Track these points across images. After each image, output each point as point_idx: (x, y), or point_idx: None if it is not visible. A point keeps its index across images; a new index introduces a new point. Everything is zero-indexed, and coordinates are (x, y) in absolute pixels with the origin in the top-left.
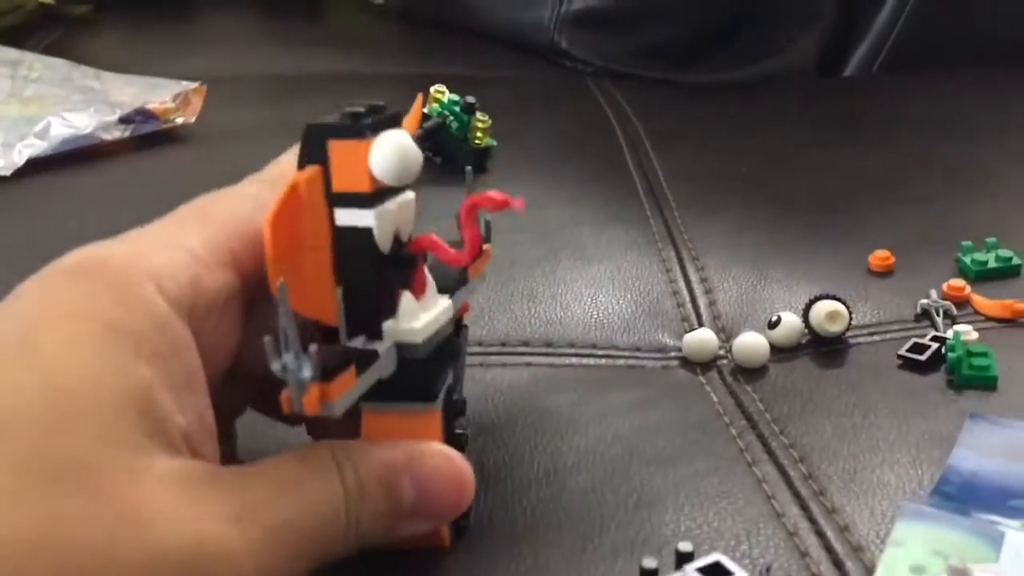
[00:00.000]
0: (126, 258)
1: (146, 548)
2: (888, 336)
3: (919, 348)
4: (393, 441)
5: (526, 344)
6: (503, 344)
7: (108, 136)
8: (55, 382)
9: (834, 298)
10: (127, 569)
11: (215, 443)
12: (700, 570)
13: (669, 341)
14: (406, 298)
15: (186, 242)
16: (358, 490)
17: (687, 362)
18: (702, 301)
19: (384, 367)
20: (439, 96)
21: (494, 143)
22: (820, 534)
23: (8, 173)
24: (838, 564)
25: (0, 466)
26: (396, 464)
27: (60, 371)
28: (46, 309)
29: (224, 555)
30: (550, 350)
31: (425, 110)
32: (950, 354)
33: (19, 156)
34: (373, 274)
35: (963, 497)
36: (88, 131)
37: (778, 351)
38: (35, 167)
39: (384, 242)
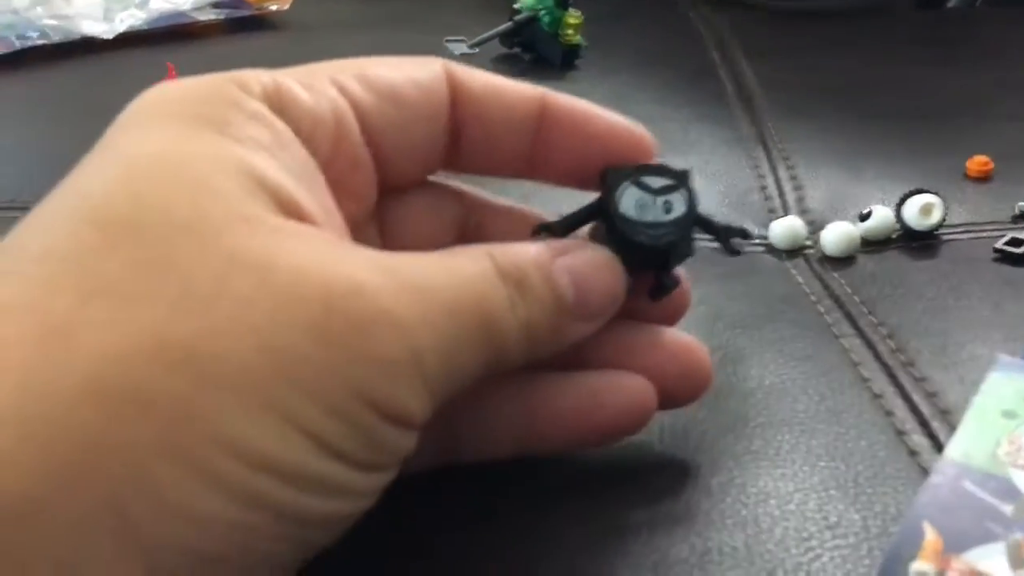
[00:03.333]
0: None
1: (272, 291)
2: (983, 235)
3: (1017, 242)
4: (538, 241)
5: None
6: None
7: (202, 17)
8: (130, 153)
9: (929, 192)
10: (245, 315)
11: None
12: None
13: (755, 229)
14: None
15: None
16: (517, 275)
17: (773, 249)
18: (791, 196)
19: None
20: None
21: (584, 43)
22: (906, 398)
23: (109, 37)
24: (924, 423)
25: (71, 223)
26: (547, 255)
27: (136, 145)
28: (119, 126)
29: (376, 301)
30: None
31: (516, 5)
32: None
33: (120, 23)
34: None
35: None
36: (185, 8)
37: (868, 244)
38: (132, 40)
39: None
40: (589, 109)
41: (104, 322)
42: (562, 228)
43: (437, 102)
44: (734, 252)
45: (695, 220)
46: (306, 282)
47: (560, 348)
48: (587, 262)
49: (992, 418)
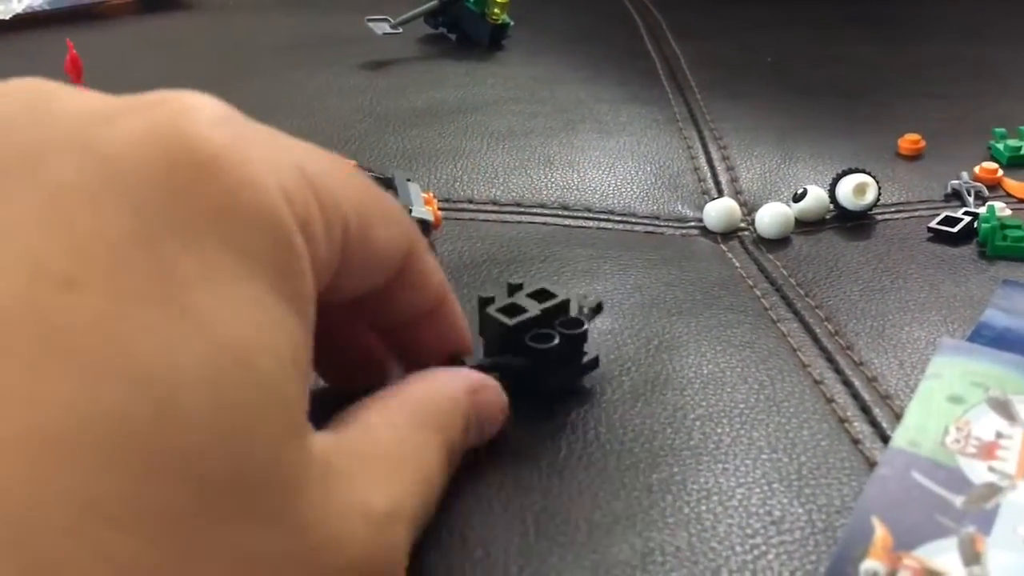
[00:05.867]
0: (244, 160)
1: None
2: (916, 214)
3: (951, 221)
4: (452, 372)
5: (542, 206)
6: (518, 204)
7: None
8: (218, 342)
9: (863, 171)
10: None
11: None
12: (529, 295)
13: (689, 212)
14: None
15: (305, 164)
16: (460, 442)
17: (707, 232)
18: (724, 177)
19: None
20: None
21: (511, 22)
22: (847, 383)
23: (6, 18)
24: (865, 410)
25: (174, 476)
26: (467, 401)
27: (220, 328)
28: (172, 229)
29: (394, 559)
30: (566, 212)
31: None
32: (984, 225)
33: (18, 3)
34: None
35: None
36: None
37: (802, 225)
38: (35, 22)
39: None
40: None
41: None
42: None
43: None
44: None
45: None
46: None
47: None
48: (490, 401)
49: (938, 404)
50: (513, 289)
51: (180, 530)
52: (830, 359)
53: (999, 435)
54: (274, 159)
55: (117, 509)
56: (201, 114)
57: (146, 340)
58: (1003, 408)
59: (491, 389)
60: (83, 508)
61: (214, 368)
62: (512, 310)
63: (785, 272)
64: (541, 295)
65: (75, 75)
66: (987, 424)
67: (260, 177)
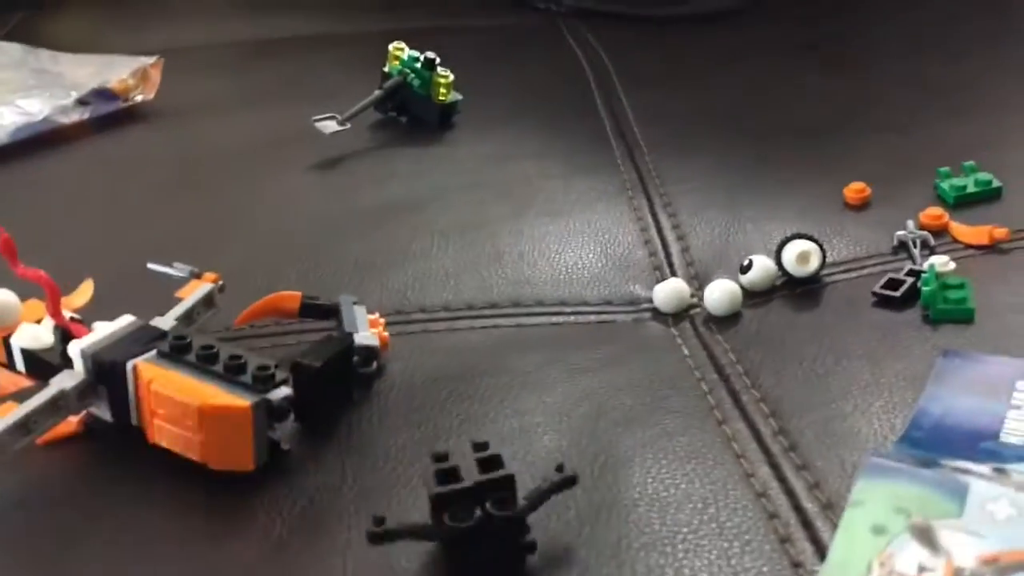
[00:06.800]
0: None
1: None
2: (864, 271)
3: (894, 284)
4: None
5: (493, 306)
6: (469, 307)
7: (67, 120)
8: None
9: (807, 237)
10: None
11: None
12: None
13: (641, 292)
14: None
15: None
16: None
17: (659, 313)
18: (674, 248)
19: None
20: (398, 53)
21: (459, 98)
22: (790, 493)
23: None
24: (807, 524)
25: None
26: None
27: None
28: None
29: None
30: (518, 310)
31: (386, 69)
32: (924, 288)
33: None
34: None
35: (933, 442)
36: (43, 116)
37: (752, 295)
38: None
39: None
40: None
41: None
42: None
43: None
44: None
45: None
46: None
47: None
48: None
49: (862, 536)
50: (477, 447)
51: None
52: (773, 464)
53: (921, 569)
54: None
55: None
56: None
57: None
58: (925, 536)
59: None
60: None
61: None
62: (450, 476)
63: (733, 357)
64: (491, 463)
65: (9, 256)
66: (909, 557)
67: None
